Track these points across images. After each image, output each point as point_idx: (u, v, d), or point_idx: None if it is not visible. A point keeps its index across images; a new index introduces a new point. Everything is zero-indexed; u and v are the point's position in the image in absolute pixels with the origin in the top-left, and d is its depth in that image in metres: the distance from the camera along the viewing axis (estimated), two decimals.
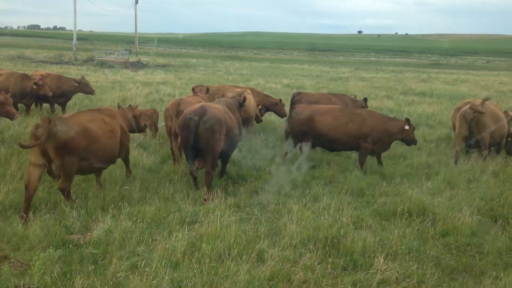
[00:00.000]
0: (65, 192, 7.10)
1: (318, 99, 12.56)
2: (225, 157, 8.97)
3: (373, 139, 9.86)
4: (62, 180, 7.03)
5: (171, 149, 9.96)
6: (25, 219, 6.48)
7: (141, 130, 10.00)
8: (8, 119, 11.57)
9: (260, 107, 12.96)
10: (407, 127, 9.93)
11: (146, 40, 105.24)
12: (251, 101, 12.13)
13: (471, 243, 6.58)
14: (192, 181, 8.51)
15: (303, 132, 10.11)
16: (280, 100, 14.24)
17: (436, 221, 7.14)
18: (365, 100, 12.89)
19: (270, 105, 14.04)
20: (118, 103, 9.76)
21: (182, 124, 8.16)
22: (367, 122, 9.89)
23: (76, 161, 7.02)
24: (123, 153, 8.40)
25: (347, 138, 9.88)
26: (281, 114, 14.20)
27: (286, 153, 10.51)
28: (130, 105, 9.58)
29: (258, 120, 13.11)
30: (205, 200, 7.74)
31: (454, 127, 11.99)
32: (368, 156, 10.49)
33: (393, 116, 11.41)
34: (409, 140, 10.22)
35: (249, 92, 12.51)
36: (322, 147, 10.65)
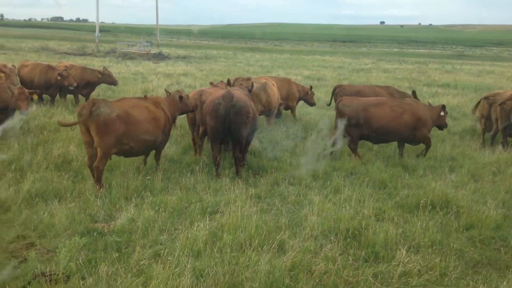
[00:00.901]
0: (98, 171, 7.44)
1: (361, 90, 12.62)
2: (246, 143, 9.07)
3: (426, 129, 10.03)
4: (98, 158, 7.42)
5: (193, 139, 10.02)
6: (100, 186, 7.41)
7: (191, 109, 9.40)
8: (34, 109, 11.83)
9: (281, 102, 12.88)
10: (442, 113, 10.18)
11: (167, 32, 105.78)
12: (274, 93, 12.14)
13: (496, 236, 6.49)
14: (215, 169, 8.60)
15: (357, 124, 9.82)
16: (311, 87, 14.35)
17: (460, 214, 7.04)
18: (414, 93, 12.63)
19: (304, 95, 14.14)
20: (165, 89, 9.75)
21: (210, 110, 8.35)
22: (418, 111, 9.97)
23: (113, 142, 7.46)
24: (163, 141, 8.61)
25: (404, 128, 9.86)
26: (311, 103, 14.41)
27: (331, 153, 10.04)
28: (178, 90, 9.46)
29: (278, 115, 13.03)
30: (238, 174, 8.53)
31: (481, 117, 12.05)
32: (390, 148, 10.41)
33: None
34: (442, 126, 10.51)
35: (274, 83, 12.53)
36: (371, 140, 10.26)
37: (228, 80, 11.54)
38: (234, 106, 8.18)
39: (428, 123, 10.06)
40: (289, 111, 14.07)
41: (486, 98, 12.01)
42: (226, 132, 8.30)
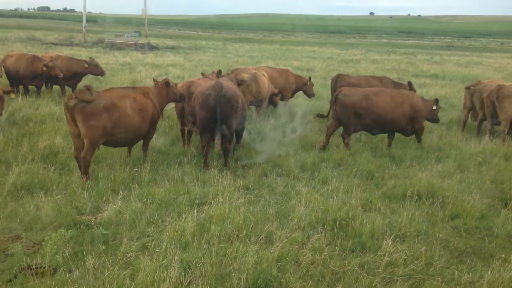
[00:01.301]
0: (86, 162, 7.40)
1: (359, 81, 12.72)
2: (238, 135, 9.34)
3: (422, 119, 10.22)
4: (85, 149, 7.38)
5: (181, 131, 9.98)
6: (87, 178, 7.39)
7: (179, 98, 9.32)
8: (20, 101, 11.69)
9: (277, 91, 12.84)
10: (434, 107, 10.36)
11: (155, 22, 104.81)
12: (265, 83, 12.12)
13: (481, 226, 6.57)
14: (203, 160, 8.59)
15: (357, 114, 9.85)
16: (310, 78, 14.35)
17: (445, 204, 7.12)
18: (410, 83, 12.74)
19: (301, 86, 14.14)
20: (154, 78, 9.69)
21: (200, 101, 8.36)
22: (415, 103, 10.13)
23: (101, 133, 7.42)
24: (151, 132, 8.58)
25: (402, 118, 9.98)
26: (309, 94, 14.42)
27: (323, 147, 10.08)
28: (165, 78, 9.38)
29: (274, 105, 13.01)
30: (226, 165, 8.56)
31: (464, 107, 12.32)
32: (377, 138, 10.48)
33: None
34: (435, 119, 10.74)
35: (265, 74, 12.52)
36: (369, 130, 10.31)
37: (219, 71, 11.53)
38: (224, 96, 8.20)
39: (423, 114, 10.24)
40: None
41: (468, 88, 12.13)
42: (215, 122, 8.28)
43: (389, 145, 10.37)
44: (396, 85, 12.89)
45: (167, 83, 8.88)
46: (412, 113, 10.00)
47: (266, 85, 12.21)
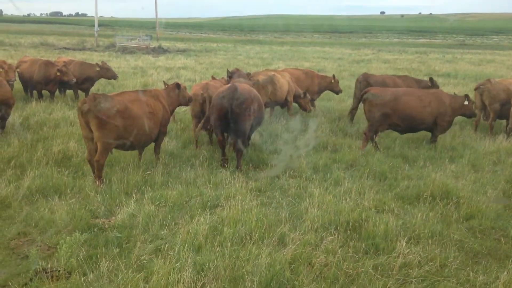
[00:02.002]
0: (99, 165, 7.46)
1: (385, 80, 12.82)
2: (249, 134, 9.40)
3: (449, 117, 10.34)
4: (98, 153, 7.44)
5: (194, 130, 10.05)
6: (100, 182, 7.43)
7: (188, 102, 9.49)
8: (34, 106, 11.82)
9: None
10: (466, 102, 10.37)
11: (166, 25, 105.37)
12: (283, 85, 12.28)
13: (496, 226, 6.50)
14: (222, 152, 8.92)
15: (386, 114, 9.97)
16: (334, 76, 14.44)
17: (460, 205, 7.05)
18: (431, 79, 12.89)
19: (327, 85, 14.25)
20: (164, 81, 9.81)
21: (215, 103, 8.62)
22: (443, 101, 10.23)
23: (114, 137, 7.49)
24: (162, 134, 8.66)
25: (430, 117, 10.12)
26: (337, 91, 14.53)
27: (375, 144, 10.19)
28: (176, 82, 9.46)
29: (303, 108, 13.08)
30: (238, 167, 8.61)
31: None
32: (389, 139, 10.43)
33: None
34: (469, 114, 10.76)
35: (286, 76, 12.71)
36: (398, 130, 10.46)
37: (227, 70, 11.74)
38: (237, 99, 8.37)
39: (449, 112, 10.31)
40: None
41: (477, 88, 12.00)
42: (227, 123, 8.52)
43: (433, 141, 10.53)
44: (418, 82, 13.02)
45: (177, 86, 8.95)
46: (440, 111, 10.14)
47: (285, 87, 12.33)
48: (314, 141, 10.44)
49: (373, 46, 60.28)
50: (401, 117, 10.00)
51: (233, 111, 8.37)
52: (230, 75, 11.34)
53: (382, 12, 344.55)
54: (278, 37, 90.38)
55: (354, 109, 12.87)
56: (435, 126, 10.34)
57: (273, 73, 12.41)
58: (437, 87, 12.61)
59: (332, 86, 14.29)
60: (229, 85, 9.01)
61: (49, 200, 6.77)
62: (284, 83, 12.37)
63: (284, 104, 12.70)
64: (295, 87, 12.74)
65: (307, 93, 12.86)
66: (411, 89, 11.00)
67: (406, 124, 10.13)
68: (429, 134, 11.15)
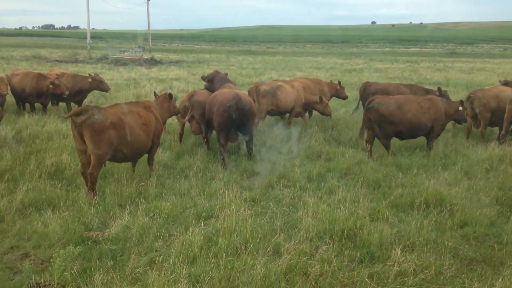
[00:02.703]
0: (93, 178, 7.41)
1: (387, 88, 13.02)
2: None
3: (444, 122, 10.65)
4: (92, 165, 7.40)
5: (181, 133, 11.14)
6: (94, 194, 7.39)
7: (177, 113, 9.79)
8: (26, 119, 11.76)
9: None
10: (461, 108, 10.66)
11: (159, 37, 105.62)
12: (287, 95, 12.57)
13: (490, 233, 6.52)
14: (222, 157, 9.55)
15: (393, 122, 10.14)
16: (339, 82, 14.67)
17: (454, 212, 7.07)
18: (439, 89, 13.05)
19: (334, 92, 14.46)
20: (154, 92, 9.90)
21: (221, 111, 9.35)
22: (439, 107, 10.49)
23: (108, 149, 7.46)
24: (155, 145, 8.66)
25: (428, 123, 10.38)
26: (343, 97, 14.81)
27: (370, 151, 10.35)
28: (167, 92, 9.53)
29: (322, 113, 13.38)
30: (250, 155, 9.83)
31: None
32: (383, 147, 10.49)
33: None
34: (461, 120, 11.04)
35: (294, 86, 13.00)
36: (399, 137, 10.68)
37: (204, 77, 12.21)
38: (244, 108, 9.37)
39: (447, 117, 10.65)
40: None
41: (468, 97, 12.06)
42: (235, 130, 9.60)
43: (430, 148, 10.74)
44: (427, 91, 13.15)
45: (170, 96, 9.00)
46: (436, 116, 10.40)
47: (290, 97, 12.62)
48: (304, 150, 10.47)
49: (364, 55, 60.66)
50: (405, 124, 10.23)
51: (242, 119, 9.34)
52: (210, 78, 11.49)
53: (373, 22, 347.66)
54: (270, 47, 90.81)
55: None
56: (431, 131, 10.55)
57: (279, 83, 12.82)
58: (447, 97, 12.70)
59: (339, 92, 14.51)
60: (230, 92, 9.60)
61: (42, 214, 6.71)
62: (290, 92, 12.68)
63: (298, 113, 13.17)
64: (308, 96, 13.08)
65: (322, 98, 13.11)
66: (410, 96, 11.21)
67: (409, 130, 10.37)
68: (421, 142, 11.24)
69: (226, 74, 12.13)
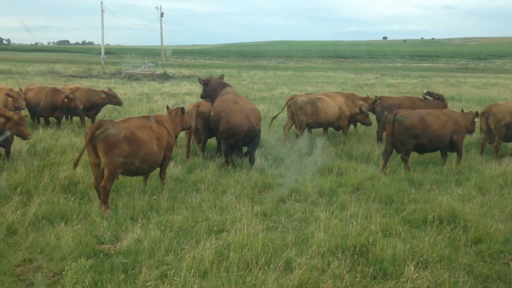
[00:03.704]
0: (105, 191, 7.47)
1: (401, 102, 13.12)
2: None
3: (463, 134, 10.84)
4: (104, 178, 7.46)
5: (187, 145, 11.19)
6: (106, 207, 7.46)
7: (189, 127, 9.95)
8: (41, 132, 11.89)
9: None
10: (476, 119, 10.91)
11: (172, 52, 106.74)
12: (327, 107, 12.95)
13: (505, 250, 6.41)
14: (225, 159, 10.38)
15: (415, 135, 10.18)
16: (374, 96, 14.84)
17: (467, 228, 6.98)
18: (430, 93, 13.46)
19: (371, 108, 14.54)
20: (167, 106, 9.99)
21: (233, 132, 10.07)
22: (457, 119, 10.67)
23: (121, 163, 7.54)
24: (167, 159, 8.71)
25: (448, 135, 10.48)
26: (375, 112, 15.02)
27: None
28: (178, 106, 9.64)
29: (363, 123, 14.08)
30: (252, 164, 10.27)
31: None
32: (395, 161, 10.44)
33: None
34: (473, 130, 11.27)
35: (338, 99, 13.43)
36: (420, 150, 10.71)
37: (221, 76, 13.01)
38: (253, 128, 10.08)
39: (465, 128, 10.82)
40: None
41: (483, 113, 11.99)
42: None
43: (444, 162, 10.89)
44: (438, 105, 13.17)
45: (182, 110, 9.07)
46: (455, 129, 10.52)
47: (331, 110, 13.00)
48: (318, 164, 10.45)
49: (376, 70, 60.68)
50: (427, 138, 10.28)
51: (251, 138, 10.16)
52: (205, 82, 11.81)
53: (385, 37, 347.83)
54: (282, 62, 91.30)
55: (381, 130, 12.93)
56: (453, 144, 10.67)
57: (320, 96, 13.31)
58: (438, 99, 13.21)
59: (371, 107, 14.52)
60: (241, 111, 10.10)
61: (55, 226, 6.77)
62: (332, 106, 13.01)
63: (336, 127, 13.61)
64: (349, 109, 13.45)
65: (362, 108, 13.43)
66: (430, 110, 11.27)
67: (431, 144, 10.44)
68: (434, 157, 11.16)
69: (223, 76, 12.55)
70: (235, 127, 10.00)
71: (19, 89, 14.49)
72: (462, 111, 11.40)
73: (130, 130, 7.69)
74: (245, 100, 11.21)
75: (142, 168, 8.08)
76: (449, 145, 10.72)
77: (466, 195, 8.61)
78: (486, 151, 12.25)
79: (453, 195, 8.56)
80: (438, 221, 7.14)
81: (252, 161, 10.46)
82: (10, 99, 12.71)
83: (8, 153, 10.21)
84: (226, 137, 10.22)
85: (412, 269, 5.58)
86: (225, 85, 11.56)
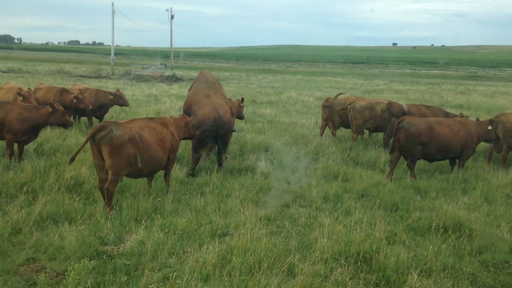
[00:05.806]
0: (109, 193, 7.48)
1: (409, 109, 13.06)
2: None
3: (475, 145, 10.74)
4: (109, 180, 7.46)
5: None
6: (110, 209, 7.47)
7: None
8: (48, 132, 11.97)
9: None
10: (490, 127, 10.75)
11: (183, 55, 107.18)
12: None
13: (510, 260, 6.34)
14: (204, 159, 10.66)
15: (422, 142, 10.14)
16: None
17: (472, 237, 6.93)
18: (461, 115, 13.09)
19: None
20: (171, 116, 10.00)
21: (204, 129, 9.82)
22: (469, 129, 10.58)
23: (125, 164, 7.55)
24: (171, 161, 8.73)
25: (459, 145, 10.40)
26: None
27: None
28: (182, 114, 9.71)
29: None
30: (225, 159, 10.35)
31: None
32: (401, 169, 10.39)
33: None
34: (490, 139, 11.09)
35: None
36: (428, 159, 10.70)
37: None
38: (223, 127, 9.95)
39: (475, 139, 10.69)
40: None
41: (491, 122, 11.88)
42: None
43: (453, 170, 10.78)
44: (447, 114, 12.99)
45: (187, 122, 9.17)
46: (467, 139, 10.44)
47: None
48: (321, 170, 10.44)
49: (385, 76, 60.42)
50: (435, 146, 10.22)
51: (221, 135, 10.04)
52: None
53: (394, 43, 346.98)
54: (290, 66, 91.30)
55: (387, 137, 12.88)
56: (462, 153, 10.57)
57: (379, 101, 13.89)
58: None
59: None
60: (213, 112, 9.90)
61: (60, 226, 6.80)
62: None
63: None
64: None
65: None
66: (440, 118, 11.27)
67: (439, 152, 10.38)
68: (440, 165, 11.10)
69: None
70: (201, 120, 9.78)
71: (28, 88, 14.59)
72: (477, 119, 11.28)
73: (135, 131, 7.72)
74: (219, 92, 11.09)
75: (146, 170, 8.10)
76: (461, 155, 10.62)
77: (472, 204, 8.55)
78: (493, 160, 12.16)
79: (459, 203, 8.50)
80: (443, 230, 7.09)
81: (220, 163, 10.34)
82: (20, 98, 12.79)
83: (21, 152, 10.28)
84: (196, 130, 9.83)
85: (416, 277, 5.55)
86: (209, 80, 11.64)
